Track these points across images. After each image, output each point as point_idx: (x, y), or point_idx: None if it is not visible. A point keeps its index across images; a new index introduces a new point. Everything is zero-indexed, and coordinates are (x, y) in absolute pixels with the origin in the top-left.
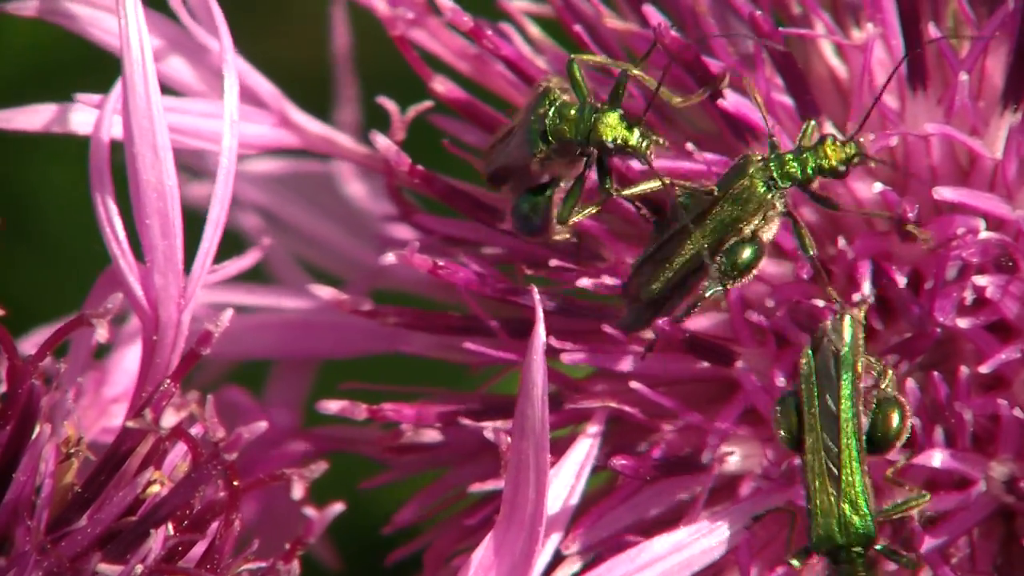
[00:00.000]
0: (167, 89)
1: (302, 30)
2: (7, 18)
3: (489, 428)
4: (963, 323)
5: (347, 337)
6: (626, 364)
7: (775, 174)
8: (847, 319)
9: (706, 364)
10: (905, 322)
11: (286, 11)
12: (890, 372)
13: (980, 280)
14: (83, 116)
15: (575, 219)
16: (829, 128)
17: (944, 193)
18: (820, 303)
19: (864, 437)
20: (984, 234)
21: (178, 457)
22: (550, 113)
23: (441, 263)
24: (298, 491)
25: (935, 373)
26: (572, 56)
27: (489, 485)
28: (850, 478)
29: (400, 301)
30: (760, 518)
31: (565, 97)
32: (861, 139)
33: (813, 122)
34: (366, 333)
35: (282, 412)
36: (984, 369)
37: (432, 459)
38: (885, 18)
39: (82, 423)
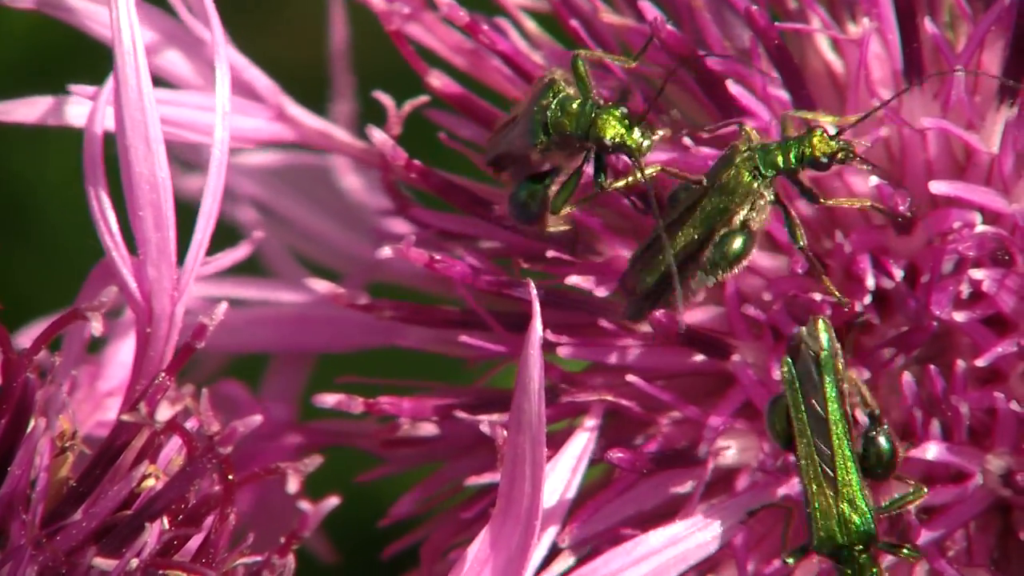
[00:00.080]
0: (164, 83)
1: (299, 29)
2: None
3: (485, 422)
4: (959, 317)
5: (343, 331)
6: (622, 358)
7: (759, 163)
8: (820, 322)
9: (702, 357)
10: (902, 316)
11: (283, 10)
12: (862, 385)
13: (976, 274)
14: (79, 108)
15: (566, 210)
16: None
17: (940, 187)
18: (817, 296)
19: (855, 436)
20: (980, 228)
21: (173, 451)
22: (552, 105)
23: (437, 257)
24: (293, 485)
25: (932, 367)
26: (576, 52)
27: (485, 479)
28: (846, 477)
29: (397, 294)
30: (756, 512)
31: (570, 91)
32: (853, 140)
33: (792, 112)
34: (362, 327)
35: (278, 406)
36: (981, 363)
37: (428, 453)
38: (881, 12)
39: (77, 417)
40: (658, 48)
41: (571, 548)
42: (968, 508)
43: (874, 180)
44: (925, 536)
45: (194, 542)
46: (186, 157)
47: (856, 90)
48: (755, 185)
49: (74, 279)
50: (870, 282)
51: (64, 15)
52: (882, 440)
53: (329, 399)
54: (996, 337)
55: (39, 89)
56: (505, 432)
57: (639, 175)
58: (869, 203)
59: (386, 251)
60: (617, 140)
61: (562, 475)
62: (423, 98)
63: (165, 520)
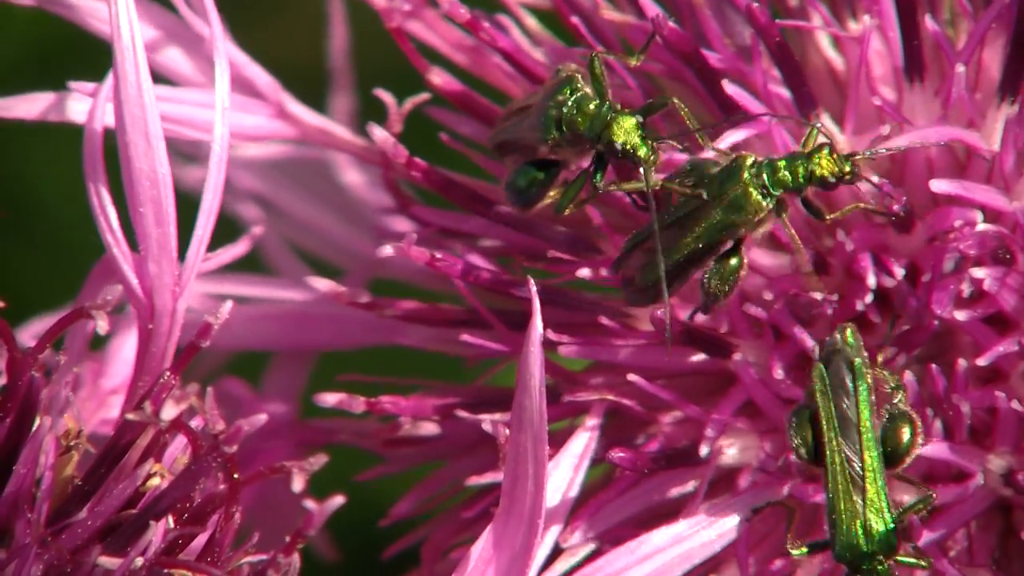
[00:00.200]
0: (164, 79)
1: (299, 27)
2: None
3: (487, 421)
4: (961, 315)
5: (345, 329)
6: (624, 357)
7: (767, 181)
8: (849, 330)
9: (704, 356)
10: (903, 314)
11: (283, 8)
12: (903, 386)
13: (977, 272)
14: (80, 104)
15: (567, 212)
16: (826, 120)
17: (941, 186)
18: (818, 296)
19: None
20: (981, 226)
21: (178, 450)
22: (569, 103)
23: (439, 255)
24: (298, 484)
25: (933, 366)
26: (594, 52)
27: (487, 478)
28: (875, 486)
29: (398, 292)
30: (759, 511)
31: (587, 89)
32: (859, 154)
33: (817, 128)
34: (364, 325)
35: (279, 404)
36: (982, 362)
37: (430, 452)
38: (882, 9)
39: (81, 415)
40: (659, 45)
41: (574, 547)
42: (969, 508)
43: (875, 179)
44: (926, 536)
45: (199, 541)
46: (186, 149)
47: (857, 87)
48: (764, 203)
49: (77, 276)
50: (871, 281)
51: (65, 11)
52: (906, 431)
53: (330, 398)
54: (997, 336)
55: (41, 85)
56: (507, 431)
57: (645, 184)
58: (866, 205)
59: (387, 249)
60: (628, 147)
61: (564, 474)
62: (424, 96)
63: (170, 519)
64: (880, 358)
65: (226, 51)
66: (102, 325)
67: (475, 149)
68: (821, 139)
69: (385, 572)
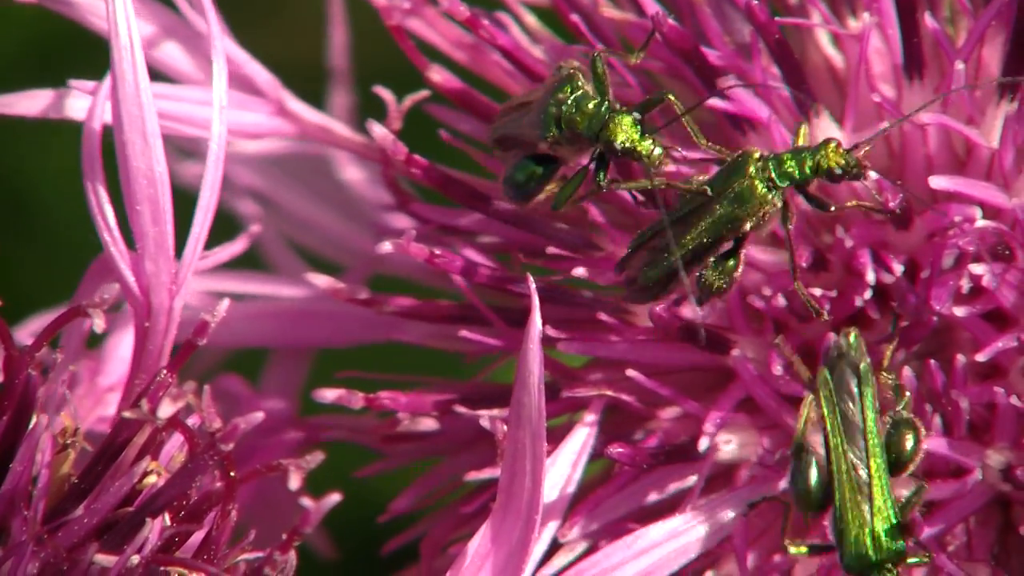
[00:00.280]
0: (164, 77)
1: (299, 25)
2: None
3: (485, 416)
4: (960, 311)
5: (343, 326)
6: (622, 353)
7: (773, 174)
8: (852, 335)
9: (702, 352)
10: (902, 310)
11: (283, 7)
12: (907, 393)
13: (976, 268)
14: (80, 102)
15: (564, 208)
16: (826, 119)
17: (940, 182)
18: (817, 291)
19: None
20: (980, 223)
21: (175, 447)
22: (568, 101)
23: (438, 252)
24: (295, 481)
25: (932, 361)
26: (596, 51)
27: (485, 473)
28: (883, 494)
29: (397, 288)
30: (756, 505)
31: (588, 88)
32: (861, 146)
33: (804, 126)
34: (362, 322)
35: (278, 401)
36: (981, 357)
37: (428, 448)
38: (881, 7)
39: (78, 413)
40: (659, 43)
41: (572, 542)
42: (968, 503)
43: (873, 175)
44: (925, 531)
45: (196, 538)
46: (185, 144)
47: (856, 85)
48: (769, 196)
49: (75, 274)
50: (870, 277)
51: (65, 9)
52: (909, 439)
53: (329, 394)
54: (996, 332)
55: (41, 82)
56: (505, 427)
57: (648, 183)
58: (867, 204)
59: (386, 246)
60: (627, 146)
61: (562, 470)
62: (423, 93)
63: (167, 516)
64: (888, 354)
65: (225, 48)
66: (99, 323)
67: (474, 146)
68: (813, 136)
69: (384, 568)
